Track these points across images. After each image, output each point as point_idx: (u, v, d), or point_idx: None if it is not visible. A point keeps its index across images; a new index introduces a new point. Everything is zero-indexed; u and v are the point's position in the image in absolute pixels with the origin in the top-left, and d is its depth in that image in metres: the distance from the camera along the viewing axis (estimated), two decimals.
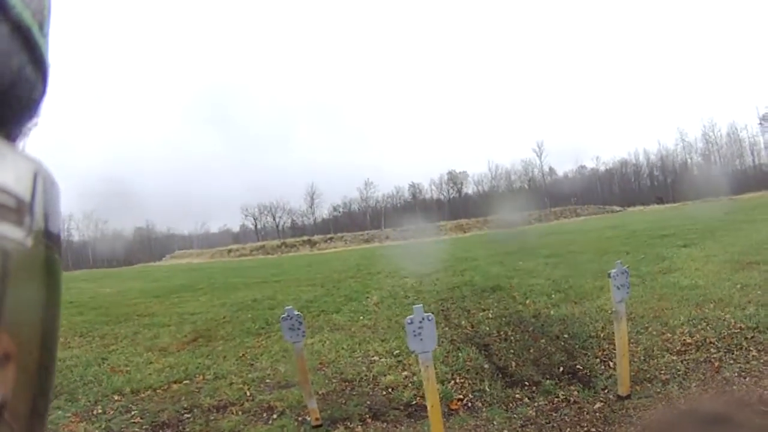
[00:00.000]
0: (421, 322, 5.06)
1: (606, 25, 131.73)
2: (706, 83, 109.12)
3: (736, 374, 6.35)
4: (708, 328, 7.91)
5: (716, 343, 7.34)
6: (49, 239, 0.43)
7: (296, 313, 6.42)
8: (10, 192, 0.38)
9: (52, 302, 0.44)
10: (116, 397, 8.10)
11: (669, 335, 7.87)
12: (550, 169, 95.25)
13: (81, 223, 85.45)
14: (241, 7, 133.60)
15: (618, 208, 73.57)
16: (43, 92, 0.47)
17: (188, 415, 7.24)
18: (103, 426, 7.04)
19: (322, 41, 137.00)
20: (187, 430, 6.86)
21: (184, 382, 8.60)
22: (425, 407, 5.54)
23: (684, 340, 7.62)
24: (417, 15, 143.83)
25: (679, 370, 6.71)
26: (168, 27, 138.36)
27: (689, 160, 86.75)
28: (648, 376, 6.66)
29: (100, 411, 7.59)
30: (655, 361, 7.07)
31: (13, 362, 0.38)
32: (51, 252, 0.44)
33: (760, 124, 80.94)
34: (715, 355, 6.97)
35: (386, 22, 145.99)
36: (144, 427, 6.99)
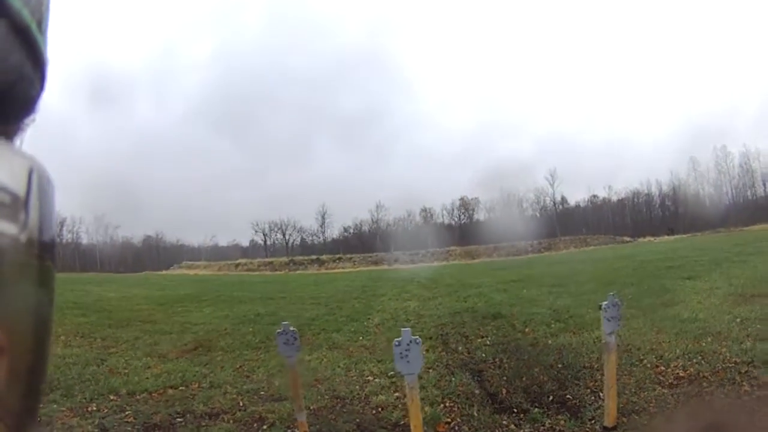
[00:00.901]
0: (408, 344, 5.13)
1: (621, 51, 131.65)
2: (719, 111, 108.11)
3: (726, 409, 6.34)
4: (703, 362, 7.88)
5: (709, 377, 7.30)
6: (44, 236, 0.45)
7: (292, 328, 6.49)
8: (5, 188, 0.40)
9: (45, 297, 0.45)
10: (112, 397, 8.20)
11: (663, 368, 7.84)
12: (562, 197, 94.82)
13: (91, 226, 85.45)
14: (261, 16, 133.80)
15: (628, 239, 73.11)
16: (41, 89, 0.49)
17: (180, 420, 7.33)
18: (96, 423, 7.12)
19: (336, 59, 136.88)
20: None
21: (180, 388, 8.70)
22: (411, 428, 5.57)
23: (677, 373, 7.59)
24: (436, 36, 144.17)
25: (668, 404, 6.68)
26: (181, 32, 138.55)
27: (701, 191, 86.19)
28: (637, 408, 6.60)
29: (94, 408, 7.69)
30: (646, 393, 7.02)
31: (5, 356, 0.39)
32: (46, 248, 0.45)
33: None
34: (707, 389, 6.92)
35: (405, 40, 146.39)
36: (136, 427, 7.07)
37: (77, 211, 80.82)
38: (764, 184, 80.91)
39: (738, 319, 9.86)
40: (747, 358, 7.68)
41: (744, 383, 6.91)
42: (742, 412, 6.21)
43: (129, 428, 7.04)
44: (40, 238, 0.44)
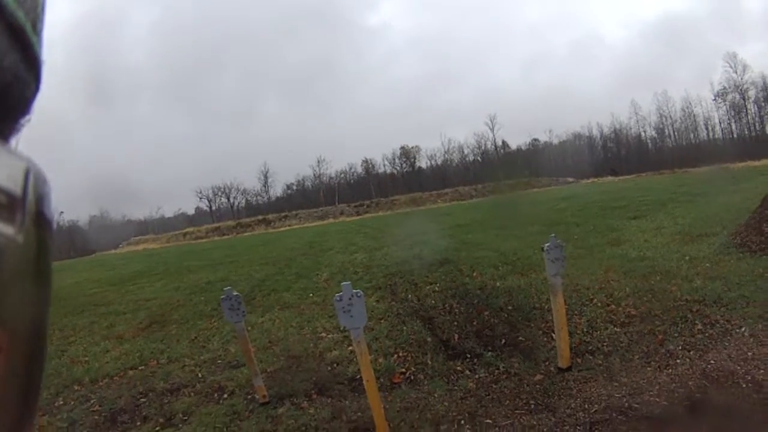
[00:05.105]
0: (350, 299, 5.14)
1: None
2: (660, 56, 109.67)
3: (680, 347, 6.47)
4: (653, 300, 8.01)
5: (661, 315, 7.43)
6: (40, 235, 0.45)
7: (235, 293, 6.50)
8: (1, 189, 0.40)
9: (42, 297, 0.46)
10: (76, 387, 8.12)
11: (614, 307, 7.98)
12: (503, 142, 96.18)
13: None
14: None
15: (571, 180, 74.20)
16: (36, 90, 0.48)
17: (144, 400, 7.32)
18: (64, 417, 7.06)
19: (276, 14, 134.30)
20: (143, 414, 6.92)
21: (140, 367, 8.67)
22: None
23: (629, 312, 7.73)
24: None
25: (622, 343, 6.83)
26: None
27: (643, 134, 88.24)
28: (590, 348, 6.79)
29: (61, 402, 7.60)
30: (599, 332, 7.20)
31: (3, 356, 0.39)
32: (42, 248, 0.46)
33: (714, 100, 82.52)
34: (659, 328, 7.05)
35: None
36: (103, 414, 7.03)
37: None
38: (706, 128, 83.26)
39: (686, 258, 10.06)
40: (698, 297, 7.85)
41: (697, 322, 7.08)
42: (694, 350, 6.38)
43: (96, 417, 6.99)
44: (37, 238, 0.44)
